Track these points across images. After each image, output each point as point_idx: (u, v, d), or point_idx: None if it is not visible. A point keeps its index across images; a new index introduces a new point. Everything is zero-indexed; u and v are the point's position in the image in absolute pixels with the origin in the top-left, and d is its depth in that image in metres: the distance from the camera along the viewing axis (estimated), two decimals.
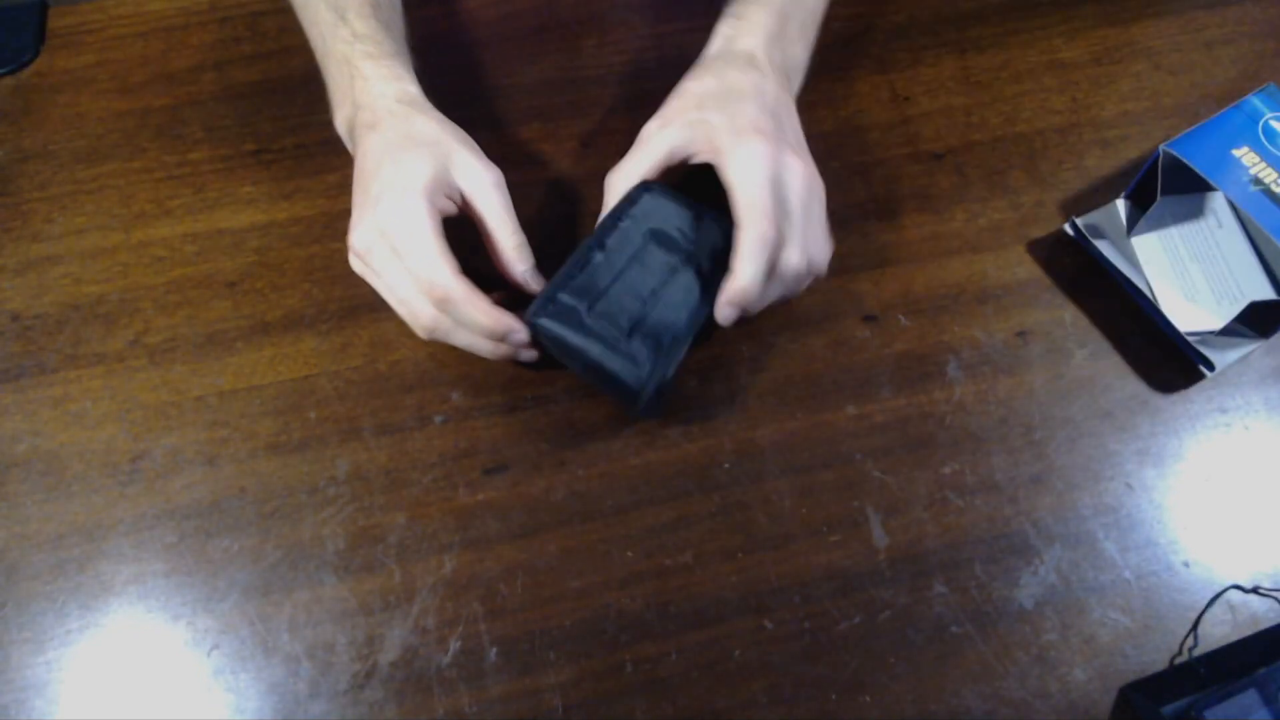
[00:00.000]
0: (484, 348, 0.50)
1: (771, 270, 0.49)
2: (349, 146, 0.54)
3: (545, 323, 0.48)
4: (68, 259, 0.58)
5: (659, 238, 0.51)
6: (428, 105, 0.53)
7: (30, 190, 0.60)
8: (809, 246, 0.50)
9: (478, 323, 0.48)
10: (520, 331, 0.49)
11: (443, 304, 0.48)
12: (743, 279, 0.48)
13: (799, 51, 0.56)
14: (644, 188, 0.52)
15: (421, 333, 0.50)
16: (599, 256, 0.50)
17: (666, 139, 0.51)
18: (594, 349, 0.48)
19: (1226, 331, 0.54)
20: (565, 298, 0.49)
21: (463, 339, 0.50)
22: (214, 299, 0.57)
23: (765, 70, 0.53)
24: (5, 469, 0.52)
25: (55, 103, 0.63)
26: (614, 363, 0.48)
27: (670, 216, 0.51)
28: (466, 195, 0.51)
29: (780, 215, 0.48)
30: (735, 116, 0.50)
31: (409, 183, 0.48)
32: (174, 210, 0.59)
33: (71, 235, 0.58)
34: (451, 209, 0.51)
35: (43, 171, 0.61)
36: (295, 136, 0.62)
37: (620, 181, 0.52)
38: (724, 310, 0.49)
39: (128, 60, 0.65)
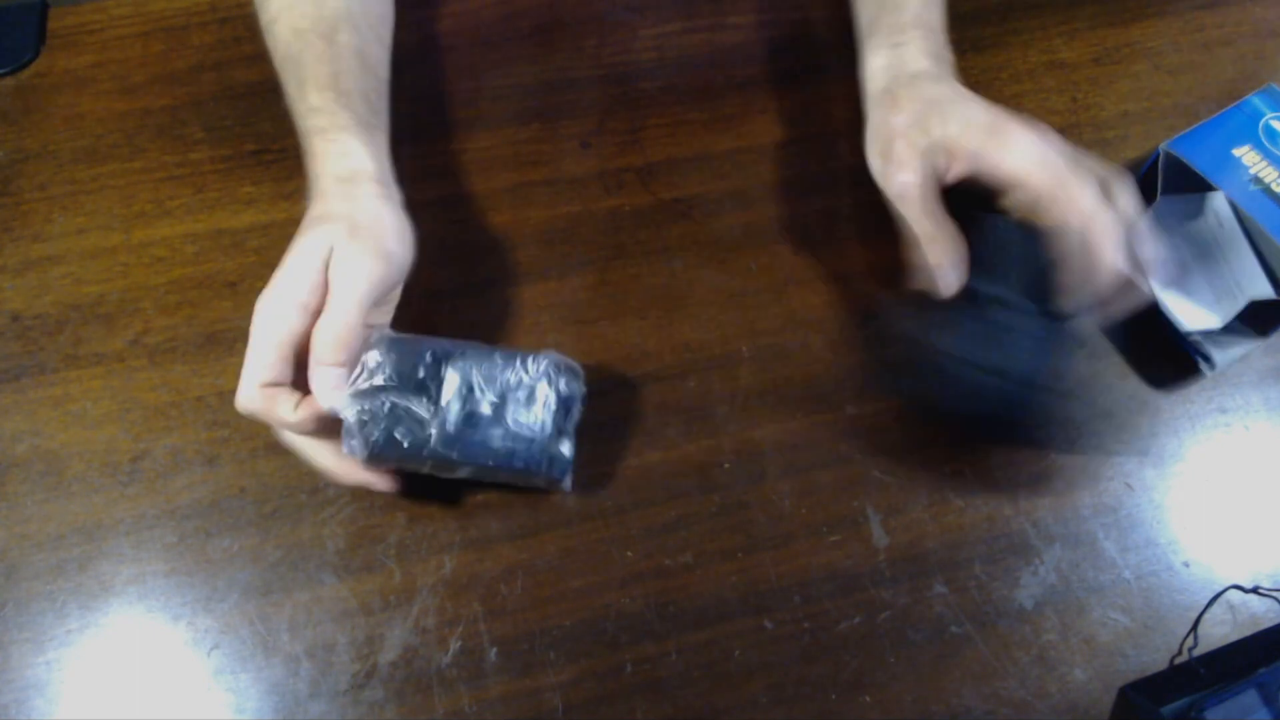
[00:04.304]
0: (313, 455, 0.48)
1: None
2: None
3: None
4: (68, 259, 0.58)
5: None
6: (372, 180, 0.50)
7: (30, 190, 0.60)
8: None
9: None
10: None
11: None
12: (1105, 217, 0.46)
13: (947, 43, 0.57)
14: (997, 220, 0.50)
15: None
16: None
17: (921, 170, 0.50)
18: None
19: (1226, 330, 0.54)
20: None
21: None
22: (214, 299, 0.57)
23: (944, 76, 0.54)
24: (5, 469, 0.52)
25: (55, 103, 0.63)
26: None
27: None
28: (333, 275, 0.46)
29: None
30: (968, 119, 0.50)
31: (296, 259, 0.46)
32: (174, 210, 0.59)
33: (71, 235, 0.58)
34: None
35: (43, 171, 0.61)
36: (295, 137, 0.62)
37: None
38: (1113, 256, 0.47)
39: (128, 60, 0.65)
